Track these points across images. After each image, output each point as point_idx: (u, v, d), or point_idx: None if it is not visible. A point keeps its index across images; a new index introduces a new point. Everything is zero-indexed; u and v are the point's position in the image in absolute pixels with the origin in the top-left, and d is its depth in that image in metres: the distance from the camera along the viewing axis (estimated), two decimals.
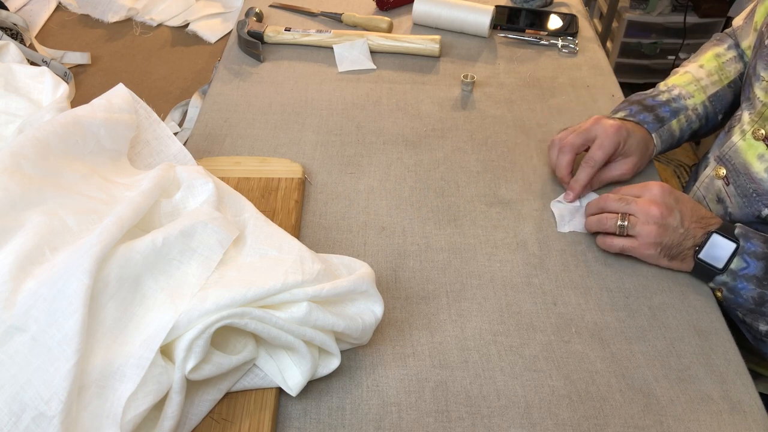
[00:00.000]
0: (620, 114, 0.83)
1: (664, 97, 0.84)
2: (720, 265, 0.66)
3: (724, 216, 0.78)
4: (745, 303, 0.66)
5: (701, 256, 0.67)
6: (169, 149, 0.74)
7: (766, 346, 0.67)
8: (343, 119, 0.91)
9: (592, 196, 0.79)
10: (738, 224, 0.68)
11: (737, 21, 0.90)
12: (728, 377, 0.62)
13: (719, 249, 0.66)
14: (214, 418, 0.55)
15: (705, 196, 0.81)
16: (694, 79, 0.86)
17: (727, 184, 0.77)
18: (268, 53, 1.03)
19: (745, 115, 0.76)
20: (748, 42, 0.87)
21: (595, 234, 0.74)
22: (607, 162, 0.78)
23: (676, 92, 0.84)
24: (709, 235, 0.67)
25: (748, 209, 0.74)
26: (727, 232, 0.67)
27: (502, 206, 0.79)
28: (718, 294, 0.69)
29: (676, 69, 0.91)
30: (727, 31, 0.93)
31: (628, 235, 0.70)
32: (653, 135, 0.81)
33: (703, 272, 0.68)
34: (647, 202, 0.69)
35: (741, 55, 0.88)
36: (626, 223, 0.69)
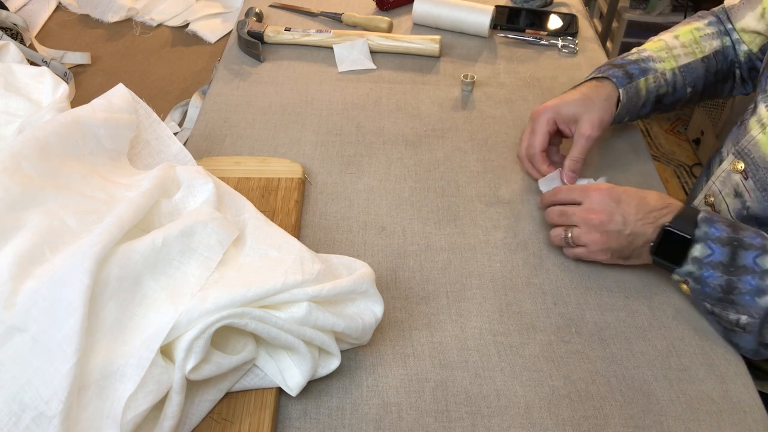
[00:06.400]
0: (591, 75, 0.85)
1: (633, 57, 0.86)
2: (677, 259, 0.65)
3: (741, 210, 0.76)
4: (713, 292, 0.64)
5: (655, 254, 0.66)
6: (169, 149, 0.74)
7: (737, 336, 0.65)
8: (343, 119, 0.91)
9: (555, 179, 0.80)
10: (702, 210, 0.66)
11: (731, 0, 0.90)
12: (728, 377, 0.62)
13: (672, 243, 0.65)
14: (214, 418, 0.55)
15: (721, 190, 0.79)
16: (666, 46, 0.87)
17: (746, 179, 0.75)
18: (268, 53, 1.03)
19: (763, 108, 0.75)
20: (743, 24, 0.87)
21: None
22: (566, 138, 0.82)
23: (645, 54, 0.86)
24: (661, 230, 0.65)
25: (767, 203, 0.72)
26: (686, 220, 0.65)
27: (502, 206, 0.79)
28: (684, 287, 0.67)
29: (652, 37, 0.92)
30: (714, 9, 0.92)
31: (578, 245, 0.70)
32: (621, 90, 0.81)
33: (663, 267, 0.67)
34: (586, 210, 0.69)
35: (723, 33, 0.88)
36: (570, 234, 0.70)
